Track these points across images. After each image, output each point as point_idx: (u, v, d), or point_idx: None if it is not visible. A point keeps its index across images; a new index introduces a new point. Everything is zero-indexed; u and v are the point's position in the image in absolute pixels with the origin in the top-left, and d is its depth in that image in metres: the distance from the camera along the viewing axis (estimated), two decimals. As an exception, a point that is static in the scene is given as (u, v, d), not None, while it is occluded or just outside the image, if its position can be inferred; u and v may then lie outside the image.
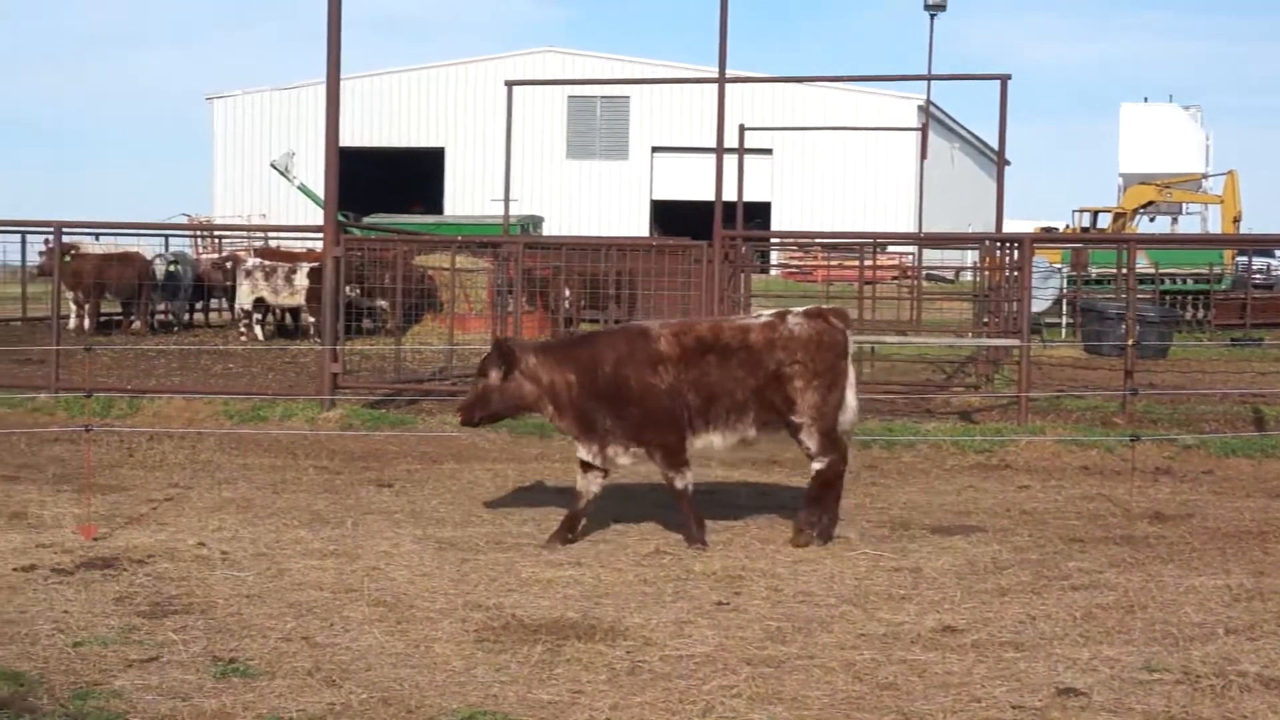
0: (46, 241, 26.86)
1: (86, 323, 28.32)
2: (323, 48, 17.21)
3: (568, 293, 26.37)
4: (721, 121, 18.60)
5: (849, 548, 10.62)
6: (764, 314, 11.16)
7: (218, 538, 10.58)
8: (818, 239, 48.10)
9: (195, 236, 39.84)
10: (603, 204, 68.03)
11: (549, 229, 54.90)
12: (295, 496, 12.42)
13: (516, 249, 21.76)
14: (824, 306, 11.72)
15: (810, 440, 10.73)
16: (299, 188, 41.35)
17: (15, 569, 9.43)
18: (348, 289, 19.63)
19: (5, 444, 15.05)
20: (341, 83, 17.47)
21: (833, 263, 40.47)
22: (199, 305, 32.42)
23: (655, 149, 68.87)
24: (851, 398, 11.01)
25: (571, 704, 6.96)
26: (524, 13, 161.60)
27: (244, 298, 27.95)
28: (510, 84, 27.89)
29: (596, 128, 68.99)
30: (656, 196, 69.31)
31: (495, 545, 10.55)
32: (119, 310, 30.52)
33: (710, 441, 10.77)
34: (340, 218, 18.27)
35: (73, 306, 28.34)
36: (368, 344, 23.33)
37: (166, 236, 33.58)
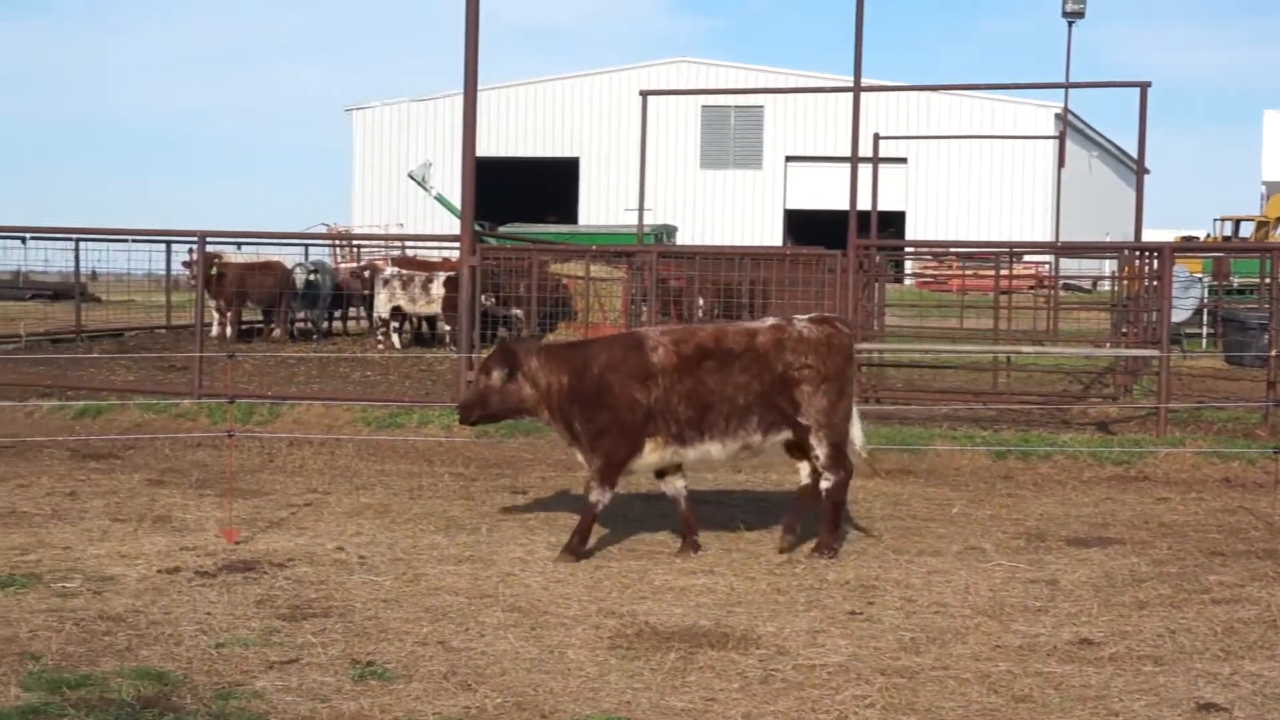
0: (190, 251, 27.34)
1: (229, 330, 28.80)
2: (460, 60, 17.38)
3: (701, 302, 26.39)
4: (856, 130, 18.53)
5: (984, 559, 10.54)
6: (768, 320, 11.09)
7: (356, 542, 10.73)
8: (953, 248, 47.68)
9: (334, 246, 40.35)
10: (736, 213, 67.96)
11: (682, 238, 54.96)
12: (431, 502, 12.55)
13: (650, 258, 21.80)
14: (828, 314, 11.73)
15: (820, 448, 10.63)
16: (436, 198, 41.73)
17: (160, 571, 9.63)
18: (483, 298, 19.78)
19: (150, 449, 15.37)
20: (478, 94, 17.62)
21: (968, 272, 40.04)
22: (337, 313, 32.82)
23: (789, 158, 68.66)
24: (855, 409, 11.01)
25: (704, 712, 6.98)
26: (659, 24, 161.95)
27: (382, 306, 28.25)
28: (645, 94, 27.96)
29: (730, 137, 68.92)
30: (790, 206, 69.08)
31: (628, 552, 10.60)
32: (260, 318, 31.00)
33: (708, 450, 10.63)
34: (476, 227, 18.42)
35: (215, 314, 28.84)
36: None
37: (306, 246, 34.01)
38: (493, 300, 23.34)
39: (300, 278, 29.85)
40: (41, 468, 14.08)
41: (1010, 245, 33.00)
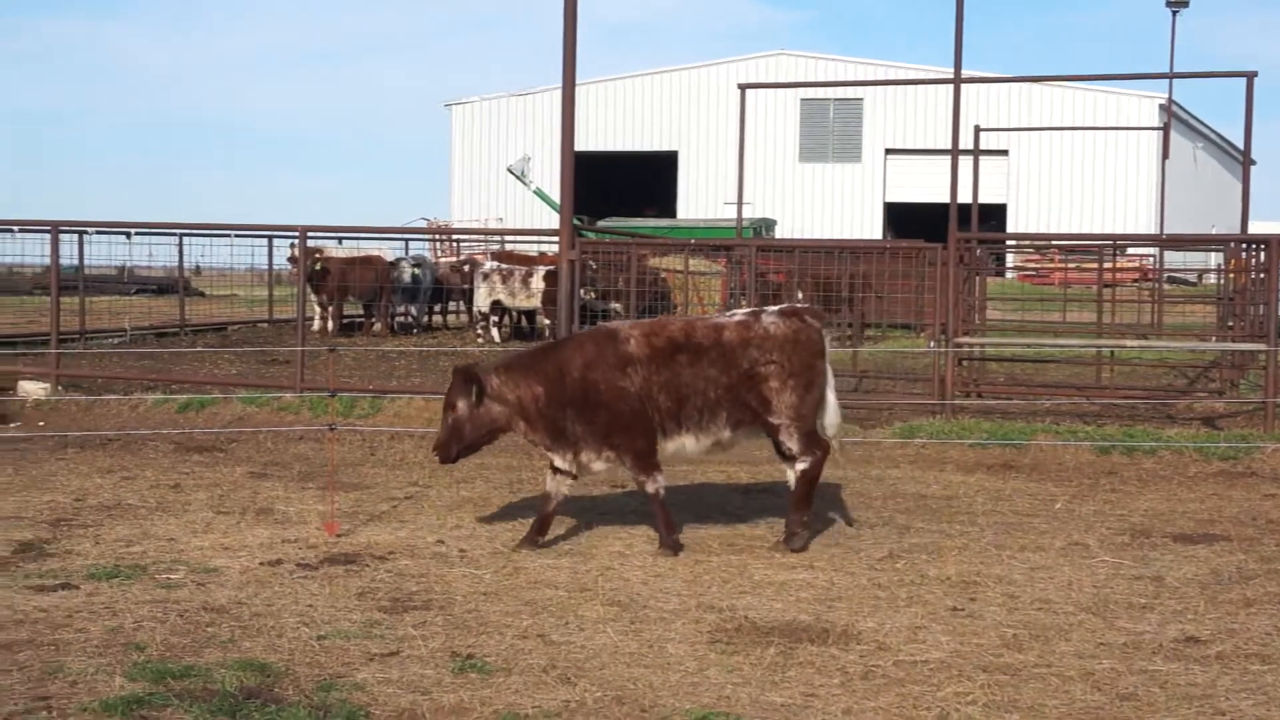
0: (292, 246, 27.58)
1: (330, 325, 29.04)
2: (559, 54, 17.40)
3: (800, 295, 26.29)
4: (957, 123, 18.36)
5: (1088, 555, 10.41)
6: (738, 313, 10.97)
7: (456, 536, 10.77)
8: (1055, 241, 47.24)
9: (434, 240, 40.59)
10: (835, 207, 67.70)
11: (781, 232, 54.82)
12: (531, 496, 12.56)
13: (749, 252, 21.75)
14: (799, 305, 11.58)
15: (791, 442, 10.52)
16: (535, 192, 41.90)
17: (263, 563, 9.71)
18: (582, 292, 19.80)
19: (253, 442, 15.52)
20: (577, 88, 17.63)
21: (1070, 265, 39.64)
22: (437, 308, 33.01)
23: (889, 151, 68.29)
24: (832, 397, 10.81)
25: (804, 707, 6.93)
26: (757, 16, 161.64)
27: (481, 300, 28.38)
28: (744, 87, 27.87)
29: (829, 130, 68.64)
30: (889, 199, 68.73)
31: (728, 547, 10.56)
32: (361, 313, 31.24)
33: (683, 444, 10.54)
34: (575, 221, 18.45)
35: (317, 309, 29.09)
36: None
37: (406, 240, 34.25)
38: (592, 294, 23.37)
39: (408, 273, 30.06)
40: (146, 460, 14.26)
41: (1114, 238, 32.60)
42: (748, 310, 11.04)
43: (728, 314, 11.02)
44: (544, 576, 9.49)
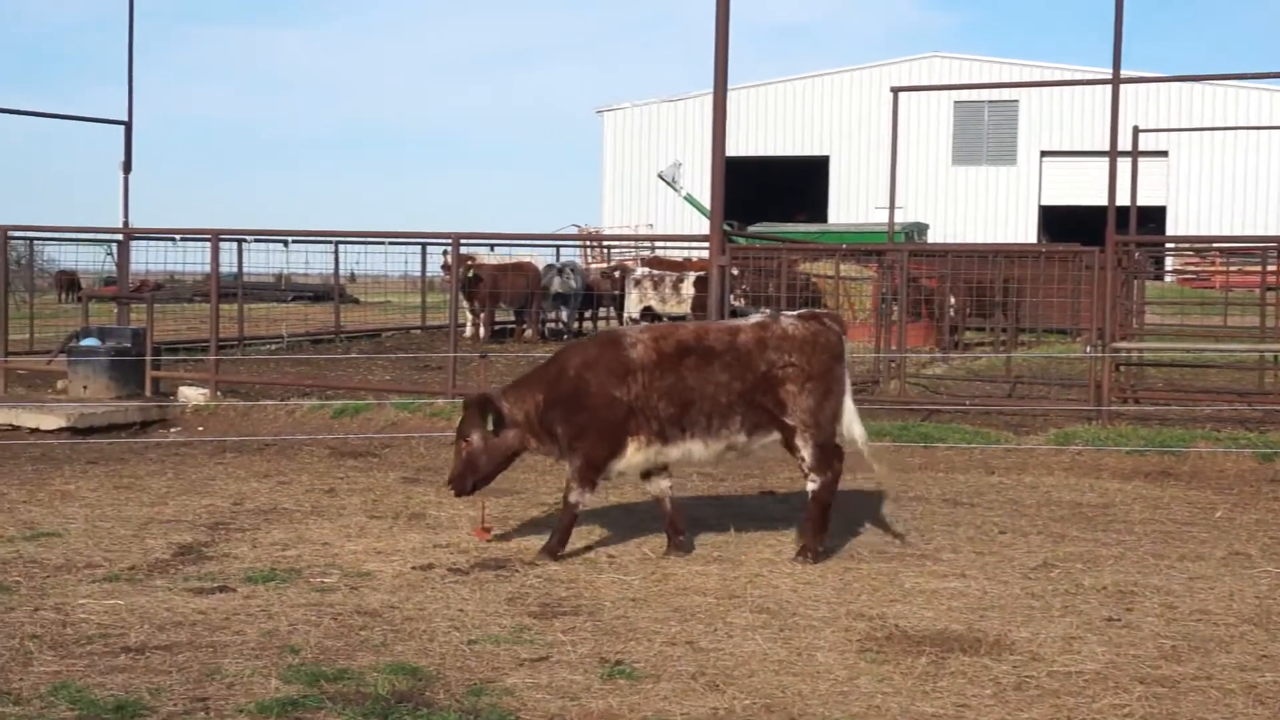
0: (445, 253, 27.87)
1: (482, 331, 29.30)
2: (711, 60, 17.39)
3: (953, 300, 26.05)
4: (1115, 124, 18.05)
5: (1250, 565, 10.18)
6: (756, 316, 10.79)
7: (604, 541, 10.79)
8: (1216, 243, 46.35)
9: (585, 246, 40.80)
10: (989, 210, 66.96)
11: (934, 236, 54.37)
12: (681, 502, 12.55)
13: (902, 257, 21.58)
14: (817, 310, 11.33)
15: (805, 449, 10.29)
16: (685, 198, 41.95)
17: (414, 568, 9.80)
18: (733, 297, 19.77)
19: (405, 447, 15.69)
20: (728, 93, 17.61)
21: (1232, 268, 38.86)
22: (588, 314, 33.17)
23: (1044, 153, 67.40)
24: (851, 405, 10.61)
25: (956, 718, 6.84)
26: (911, 19, 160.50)
27: (632, 306, 28.50)
28: (896, 90, 27.68)
29: (983, 133, 67.92)
30: (1045, 202, 67.83)
31: (878, 555, 10.47)
32: (512, 319, 31.48)
33: (689, 450, 10.27)
34: (725, 227, 18.42)
35: (469, 315, 29.36)
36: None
37: (557, 247, 34.47)
38: (743, 300, 23.34)
39: (558, 282, 30.24)
40: (302, 465, 14.47)
41: (1278, 240, 31.84)
42: (764, 314, 10.87)
43: (742, 319, 10.88)
44: (692, 583, 9.48)
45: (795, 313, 10.76)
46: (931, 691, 7.21)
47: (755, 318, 10.63)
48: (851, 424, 10.61)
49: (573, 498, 10.19)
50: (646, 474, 10.55)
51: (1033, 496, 13.09)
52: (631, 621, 8.48)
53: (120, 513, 11.77)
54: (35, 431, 17.13)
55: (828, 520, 10.46)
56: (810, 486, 10.36)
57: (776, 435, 10.35)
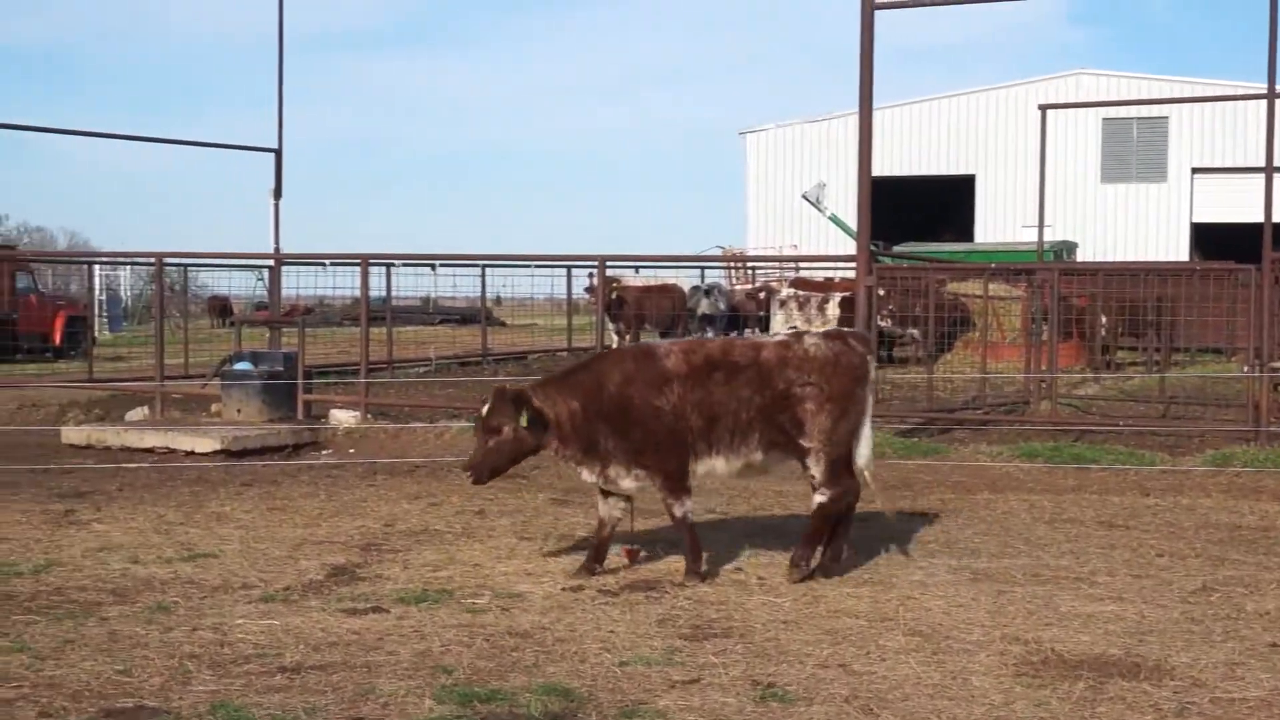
0: (591, 275, 27.99)
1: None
2: (855, 80, 17.32)
3: (1104, 320, 25.68)
4: (1270, 139, 17.69)
5: None
6: (779, 335, 10.60)
7: (755, 563, 10.75)
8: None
9: (730, 268, 40.76)
10: (1139, 228, 65.86)
11: (1083, 255, 53.63)
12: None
13: (1051, 276, 21.30)
14: (845, 330, 11.09)
15: (816, 468, 10.14)
16: (830, 218, 41.78)
17: (565, 589, 9.82)
18: (879, 318, 19.64)
19: (554, 469, 15.72)
20: (873, 113, 17.52)
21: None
22: (734, 335, 33.13)
23: (1195, 170, 66.16)
24: (868, 428, 10.46)
25: (1116, 744, 6.71)
26: (1058, 36, 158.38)
27: (778, 327, 28.40)
28: (1044, 108, 27.38)
29: (1133, 150, 66.85)
30: (1197, 219, 66.60)
31: (1032, 578, 10.31)
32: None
33: (713, 466, 10.20)
34: (871, 247, 18.31)
35: (615, 337, 29.46)
36: (899, 372, 23.29)
37: (703, 268, 34.46)
38: (889, 321, 23.18)
39: (705, 304, 30.25)
40: (452, 487, 14.57)
41: None
42: (788, 332, 10.80)
43: (765, 336, 10.81)
44: (844, 605, 9.40)
45: (821, 331, 10.73)
46: (1090, 717, 7.08)
47: (779, 336, 10.60)
48: (861, 443, 10.50)
49: (678, 512, 10.16)
50: (606, 494, 10.42)
51: (1190, 519, 12.84)
52: (783, 644, 8.42)
53: (274, 534, 11.94)
54: (191, 454, 17.45)
55: (823, 533, 10.35)
56: (819, 499, 10.27)
57: (791, 455, 10.32)
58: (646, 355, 10.31)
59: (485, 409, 10.20)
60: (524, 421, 10.00)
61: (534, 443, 10.14)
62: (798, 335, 10.54)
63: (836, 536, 10.47)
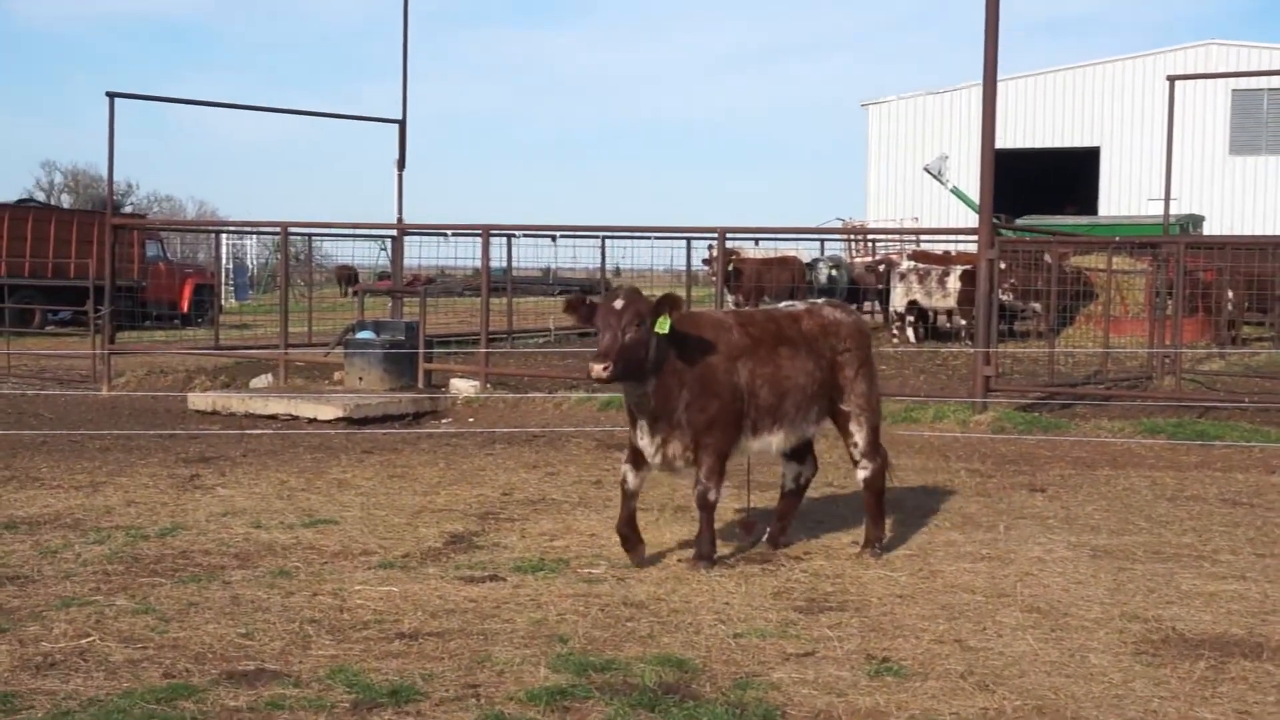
0: (710, 247, 27.96)
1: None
2: (979, 51, 17.15)
3: (1231, 294, 25.26)
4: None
5: None
6: (795, 304, 10.41)
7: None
8: None
9: (850, 240, 40.54)
10: (1268, 202, 64.67)
11: (1210, 228, 52.75)
12: (947, 498, 12.42)
13: (1177, 249, 20.98)
14: (832, 300, 10.95)
15: (859, 433, 10.09)
16: (952, 191, 41.39)
17: (680, 560, 9.84)
18: (1001, 291, 19.46)
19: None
20: (997, 85, 17.34)
21: None
22: (853, 307, 32.96)
23: (1328, 142, 64.86)
24: None
25: (1236, 725, 6.63)
26: (1187, 6, 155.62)
27: (898, 300, 28.21)
28: (1172, 79, 26.92)
29: (1263, 122, 65.59)
30: (1330, 192, 65.27)
31: (1153, 555, 10.19)
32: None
33: (769, 443, 9.87)
34: (993, 220, 18.14)
35: (732, 308, 29.41)
36: (1020, 347, 23.08)
37: (822, 241, 34.29)
38: (1011, 294, 22.95)
39: (823, 272, 30.13)
40: (569, 456, 14.65)
41: None
42: (800, 302, 10.54)
43: (785, 305, 10.48)
44: (960, 580, 9.34)
45: (823, 301, 10.66)
46: (1211, 697, 6.99)
47: (799, 305, 10.36)
48: None
49: (712, 497, 9.59)
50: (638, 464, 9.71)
51: (1317, 498, 12.62)
52: (898, 618, 8.39)
53: (394, 501, 12.08)
54: (313, 421, 17.67)
55: (883, 507, 10.32)
56: (862, 474, 10.23)
57: (827, 422, 10.24)
58: (719, 325, 9.73)
59: (618, 301, 9.24)
60: (663, 327, 9.23)
61: (658, 356, 9.27)
62: (815, 304, 10.41)
63: (790, 509, 10.47)
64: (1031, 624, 8.28)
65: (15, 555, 9.82)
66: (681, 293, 33.24)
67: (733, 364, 9.56)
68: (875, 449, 10.25)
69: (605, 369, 9.01)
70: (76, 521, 11.07)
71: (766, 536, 10.37)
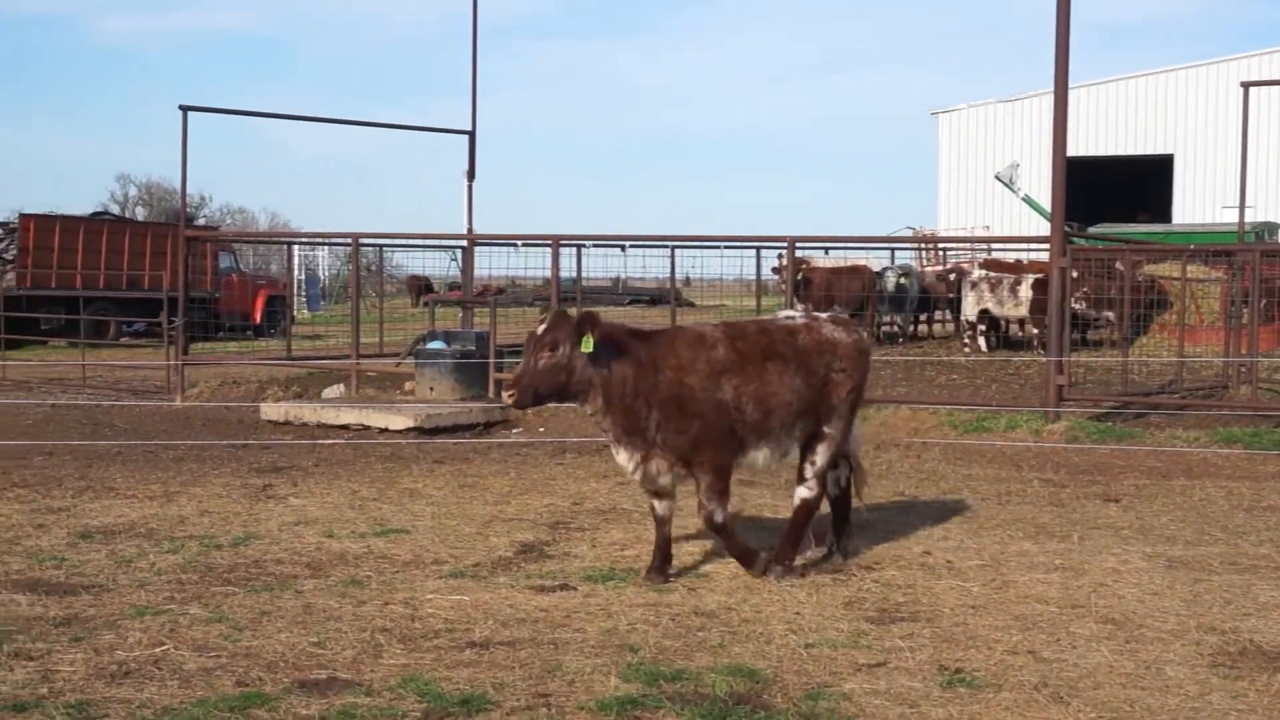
0: (780, 256, 27.90)
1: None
2: (1050, 59, 17.05)
3: (1308, 303, 24.94)
4: None
5: None
6: (796, 316, 10.16)
7: (943, 547, 10.64)
8: None
9: (920, 249, 40.36)
10: (1348, 209, 63.93)
11: (1286, 236, 52.16)
12: (1019, 508, 12.33)
13: (1253, 257, 20.75)
14: (840, 316, 10.64)
15: (821, 457, 9.82)
16: (1023, 199, 41.15)
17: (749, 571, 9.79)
18: (1073, 300, 19.31)
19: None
20: (1068, 92, 17.22)
21: None
22: (924, 317, 32.80)
23: None
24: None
25: (1316, 739, 6.54)
26: (1262, 10, 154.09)
27: (969, 309, 28.03)
28: (1246, 85, 26.67)
29: (1340, 127, 64.89)
30: None
31: (1230, 566, 10.07)
32: (846, 322, 31.30)
33: (754, 459, 9.68)
34: (1065, 228, 18.01)
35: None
36: (1093, 356, 22.91)
37: (892, 249, 34.14)
38: (1083, 303, 22.78)
39: (892, 281, 30.00)
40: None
41: None
42: (802, 315, 10.28)
43: (783, 317, 10.29)
44: (1034, 591, 9.27)
45: (826, 315, 10.36)
46: (1289, 710, 6.90)
47: (799, 318, 10.14)
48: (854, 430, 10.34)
49: (719, 518, 9.42)
50: (658, 493, 9.64)
51: (1396, 508, 12.45)
52: (971, 629, 8.33)
53: (465, 511, 12.11)
54: (384, 431, 17.76)
55: (807, 529, 10.02)
56: (804, 494, 9.94)
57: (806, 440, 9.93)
58: (699, 341, 9.55)
59: (540, 326, 9.36)
60: (588, 346, 9.17)
61: (581, 379, 9.21)
62: (815, 319, 10.12)
63: (846, 512, 10.37)
64: (1106, 635, 8.21)
65: (91, 564, 9.92)
66: (751, 302, 33.28)
67: (715, 381, 9.37)
68: (824, 475, 9.99)
69: (510, 395, 9.41)
70: (151, 531, 11.17)
71: (836, 548, 10.24)
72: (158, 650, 7.74)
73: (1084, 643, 8.05)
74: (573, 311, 9.81)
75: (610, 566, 9.84)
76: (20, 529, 11.23)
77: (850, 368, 9.90)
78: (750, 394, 9.44)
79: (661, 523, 9.67)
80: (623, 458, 9.48)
